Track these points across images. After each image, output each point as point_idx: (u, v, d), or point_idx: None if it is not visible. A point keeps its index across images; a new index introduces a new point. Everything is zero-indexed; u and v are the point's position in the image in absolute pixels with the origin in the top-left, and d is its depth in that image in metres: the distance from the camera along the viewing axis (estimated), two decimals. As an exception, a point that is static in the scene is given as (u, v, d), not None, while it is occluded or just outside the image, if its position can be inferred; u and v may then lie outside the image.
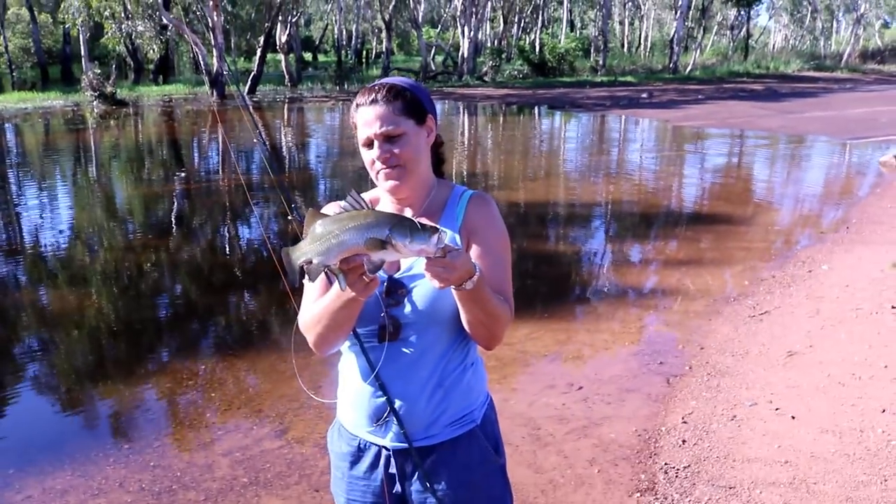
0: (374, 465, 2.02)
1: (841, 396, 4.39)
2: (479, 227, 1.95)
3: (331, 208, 1.98)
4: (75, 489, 3.69)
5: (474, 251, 1.91)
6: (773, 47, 61.42)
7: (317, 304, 1.91)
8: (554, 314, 6.04)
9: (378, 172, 1.92)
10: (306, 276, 1.71)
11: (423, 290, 1.88)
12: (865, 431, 3.96)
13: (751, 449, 3.87)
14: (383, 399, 1.93)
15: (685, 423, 4.21)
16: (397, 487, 2.03)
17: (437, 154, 2.07)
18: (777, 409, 4.29)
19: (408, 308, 1.90)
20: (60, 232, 9.17)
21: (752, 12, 50.44)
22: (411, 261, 1.89)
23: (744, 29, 52.54)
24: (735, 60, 47.40)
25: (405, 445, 1.97)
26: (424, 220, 1.65)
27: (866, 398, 4.33)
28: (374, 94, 1.90)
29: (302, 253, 1.68)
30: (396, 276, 1.91)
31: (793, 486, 3.53)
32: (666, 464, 3.79)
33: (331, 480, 2.14)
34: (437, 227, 1.61)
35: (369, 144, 1.91)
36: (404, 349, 1.91)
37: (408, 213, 1.91)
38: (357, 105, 1.93)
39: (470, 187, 2.06)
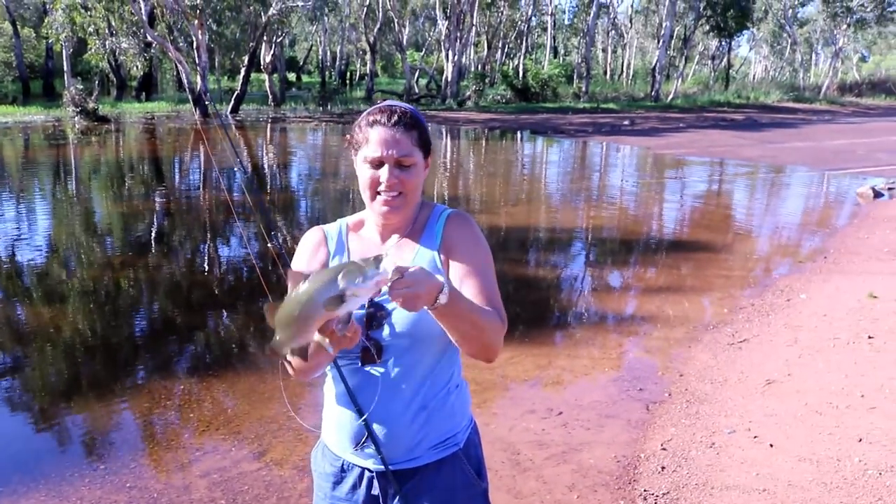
0: (356, 486, 2.03)
1: (818, 425, 4.42)
2: (458, 244, 1.95)
3: (313, 234, 2.03)
4: (49, 509, 3.64)
5: (457, 268, 1.92)
6: (754, 78, 62.30)
7: None
8: (534, 339, 6.05)
9: (377, 194, 1.91)
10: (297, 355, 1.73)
11: (403, 311, 1.87)
12: (842, 460, 3.99)
13: (729, 476, 3.89)
14: (363, 422, 1.94)
15: (664, 449, 4.22)
16: None
17: None
18: (755, 436, 4.31)
19: (386, 331, 1.91)
20: (37, 247, 9.09)
21: (733, 43, 51.16)
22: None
23: (725, 59, 53.26)
24: (716, 90, 47.93)
25: (386, 469, 1.97)
26: (361, 259, 1.61)
27: (843, 427, 4.37)
28: (395, 117, 1.89)
29: (281, 345, 1.71)
30: (376, 298, 1.90)
31: (771, 514, 3.54)
32: (645, 490, 3.79)
33: (313, 500, 2.14)
34: (378, 254, 1.60)
35: (378, 165, 1.89)
36: (387, 371, 1.91)
37: (394, 238, 1.92)
38: (373, 122, 1.90)
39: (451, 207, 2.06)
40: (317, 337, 1.67)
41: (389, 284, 1.59)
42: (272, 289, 2.01)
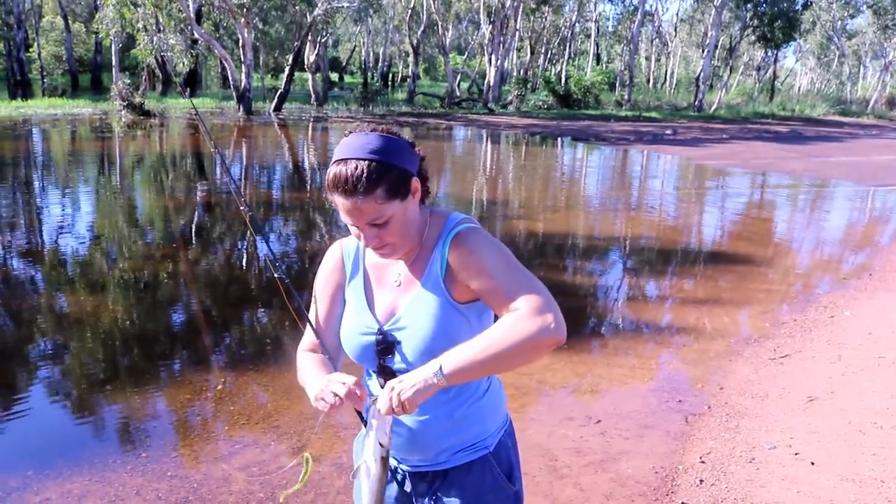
0: (390, 480, 2.06)
1: (862, 445, 4.35)
2: (464, 267, 1.82)
3: (333, 253, 2.08)
4: (92, 494, 3.70)
5: (472, 285, 1.81)
6: (799, 90, 61.53)
7: (306, 372, 1.96)
8: (572, 346, 6.02)
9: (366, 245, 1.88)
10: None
11: (413, 341, 1.86)
12: (886, 482, 3.92)
13: (769, 493, 3.84)
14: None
15: (703, 462, 4.18)
16: None
17: (423, 187, 1.92)
18: (796, 453, 4.26)
19: (398, 359, 1.90)
20: (81, 238, 9.25)
21: (779, 54, 50.54)
22: (401, 310, 1.89)
23: (770, 70, 52.70)
24: (760, 101, 47.46)
25: (416, 469, 2.03)
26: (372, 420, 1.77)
27: (888, 448, 4.30)
28: (350, 185, 1.73)
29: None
30: (385, 327, 1.91)
31: (811, 532, 3.50)
32: (683, 502, 3.76)
33: (353, 488, 2.16)
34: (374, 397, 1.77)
35: (353, 224, 1.83)
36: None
37: (400, 263, 1.94)
38: (332, 188, 1.77)
39: (488, 217, 2.01)
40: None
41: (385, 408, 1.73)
42: (308, 285, 2.04)
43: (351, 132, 1.82)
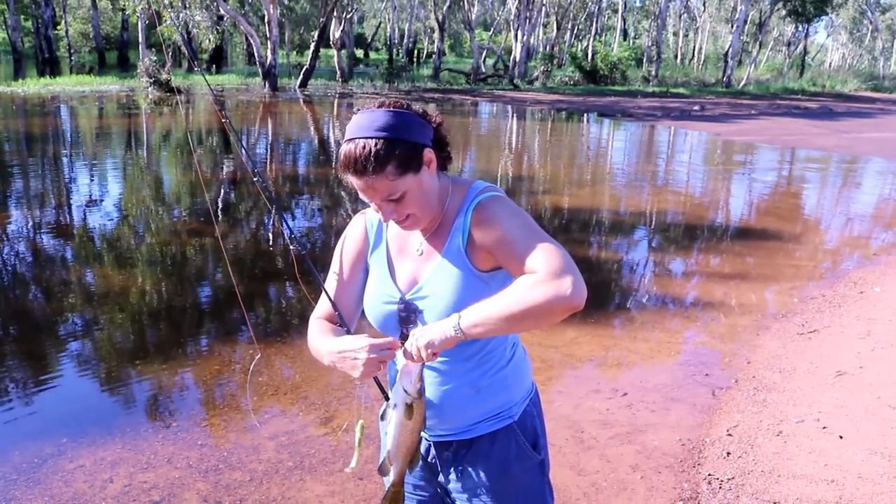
0: None
1: (891, 419, 4.32)
2: (485, 235, 1.81)
3: (357, 222, 2.10)
4: (125, 461, 3.77)
5: (493, 252, 1.80)
6: (830, 65, 60.60)
7: (320, 342, 1.95)
8: (599, 320, 6.02)
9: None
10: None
11: (434, 309, 1.86)
12: (916, 455, 3.90)
13: (796, 465, 3.83)
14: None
15: (730, 435, 4.17)
16: (440, 477, 2.07)
17: (443, 155, 1.91)
18: (824, 427, 4.24)
19: (419, 326, 1.89)
20: (108, 214, 9.34)
21: (810, 29, 49.73)
22: (423, 279, 1.90)
23: (801, 46, 51.87)
24: (790, 77, 46.80)
25: (441, 438, 2.03)
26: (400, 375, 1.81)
27: (917, 422, 4.26)
28: (360, 164, 1.74)
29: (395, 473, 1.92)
30: (408, 296, 1.92)
31: (839, 505, 3.49)
32: (710, 474, 3.76)
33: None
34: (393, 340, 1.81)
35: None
36: (430, 363, 1.89)
37: (417, 234, 1.95)
38: (344, 169, 1.78)
39: (514, 192, 1.99)
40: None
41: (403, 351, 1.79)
42: (315, 273, 2.03)
43: (359, 110, 1.82)
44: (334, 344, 1.86)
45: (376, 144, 1.73)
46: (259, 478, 3.65)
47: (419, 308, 1.89)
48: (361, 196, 1.81)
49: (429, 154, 1.82)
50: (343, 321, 1.96)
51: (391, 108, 1.79)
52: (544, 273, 1.65)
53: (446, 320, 1.74)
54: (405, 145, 1.76)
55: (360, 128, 1.76)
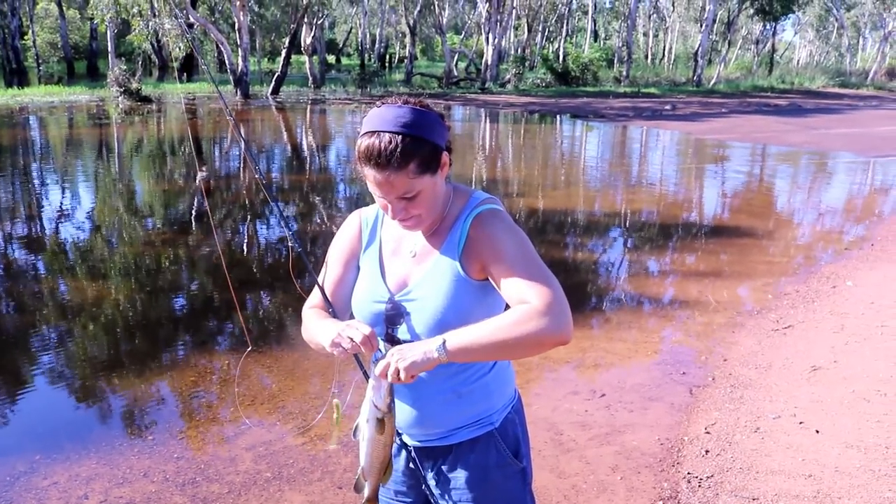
0: (396, 455, 2.05)
1: (866, 412, 4.36)
2: (483, 248, 1.81)
3: (352, 220, 2.07)
4: (100, 477, 3.72)
5: (488, 269, 1.80)
6: (798, 63, 61.26)
7: (316, 323, 1.93)
8: (575, 321, 5.94)
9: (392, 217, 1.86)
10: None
11: (422, 313, 1.85)
12: (891, 448, 3.93)
13: (774, 461, 3.86)
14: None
15: (708, 433, 4.19)
16: (423, 484, 2.06)
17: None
18: (801, 422, 4.27)
19: (406, 329, 1.89)
20: (80, 225, 9.24)
21: (777, 27, 50.28)
22: (413, 282, 1.89)
23: (769, 44, 52.42)
24: (759, 75, 47.26)
25: (422, 444, 2.02)
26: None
27: (892, 415, 4.30)
28: (383, 158, 1.71)
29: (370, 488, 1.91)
30: (397, 297, 1.90)
31: (817, 499, 3.51)
32: (689, 473, 3.78)
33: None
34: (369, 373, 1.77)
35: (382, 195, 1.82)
36: None
37: (417, 235, 1.93)
38: (364, 160, 1.75)
39: (490, 193, 1.99)
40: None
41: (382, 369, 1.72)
42: (310, 269, 2.02)
43: (382, 103, 1.79)
44: (337, 323, 1.85)
45: (403, 140, 1.71)
46: (237, 490, 3.62)
47: (407, 310, 1.88)
48: (373, 190, 1.79)
49: (446, 157, 1.82)
50: (335, 314, 1.95)
51: (417, 107, 1.77)
52: (539, 305, 1.66)
53: (430, 341, 1.70)
54: (429, 146, 1.75)
55: (385, 121, 1.74)
